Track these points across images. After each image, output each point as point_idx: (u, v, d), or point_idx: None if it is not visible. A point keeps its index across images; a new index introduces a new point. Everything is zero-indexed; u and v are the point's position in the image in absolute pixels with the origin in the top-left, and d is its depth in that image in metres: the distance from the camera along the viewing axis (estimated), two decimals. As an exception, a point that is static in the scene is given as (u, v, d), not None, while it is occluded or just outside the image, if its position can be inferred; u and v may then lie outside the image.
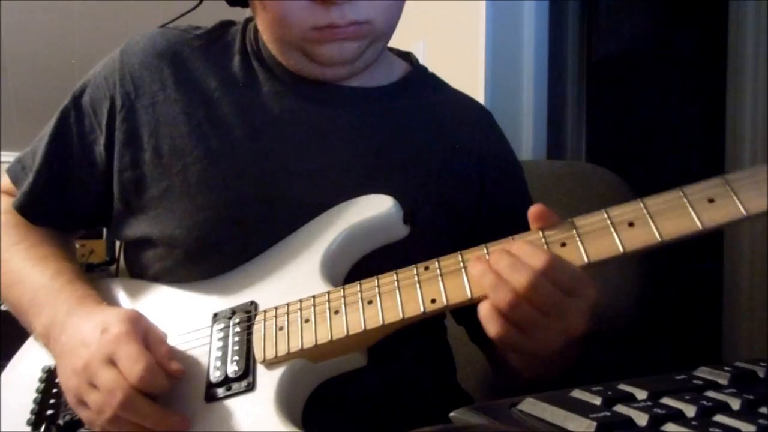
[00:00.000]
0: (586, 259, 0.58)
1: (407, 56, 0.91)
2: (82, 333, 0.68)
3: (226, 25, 0.87)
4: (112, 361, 0.64)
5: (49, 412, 0.73)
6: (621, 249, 0.57)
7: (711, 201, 0.55)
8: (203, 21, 0.88)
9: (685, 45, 1.48)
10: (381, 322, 0.63)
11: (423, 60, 0.93)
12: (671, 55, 1.51)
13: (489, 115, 0.92)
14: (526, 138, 1.58)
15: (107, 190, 0.82)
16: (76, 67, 2.62)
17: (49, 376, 0.76)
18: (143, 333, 0.67)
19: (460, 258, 0.63)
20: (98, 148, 0.82)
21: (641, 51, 1.59)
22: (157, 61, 0.81)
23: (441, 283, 0.62)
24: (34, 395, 0.75)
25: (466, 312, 0.87)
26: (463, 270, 0.62)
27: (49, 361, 0.77)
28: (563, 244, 0.59)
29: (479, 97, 1.54)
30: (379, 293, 0.65)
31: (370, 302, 0.64)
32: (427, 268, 0.64)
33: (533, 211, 0.61)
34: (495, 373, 0.88)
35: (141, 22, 2.57)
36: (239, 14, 0.87)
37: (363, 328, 0.63)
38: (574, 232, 0.59)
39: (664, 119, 1.48)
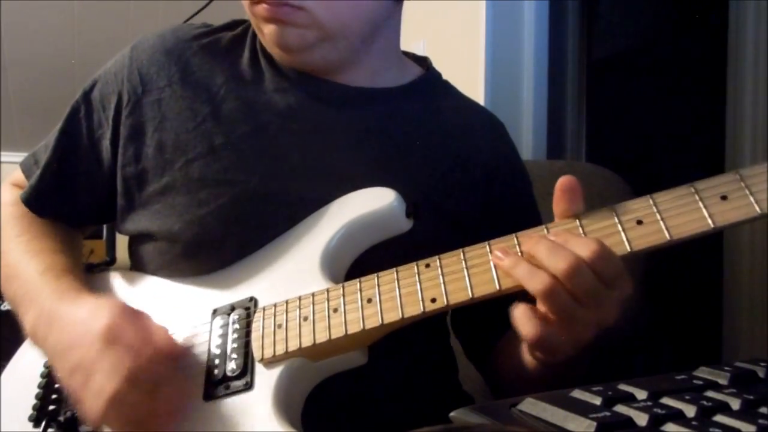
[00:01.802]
0: None
1: (423, 61, 0.91)
2: (72, 329, 0.67)
3: (237, 23, 0.88)
4: (107, 353, 0.63)
5: (51, 408, 0.73)
6: (628, 249, 0.55)
7: (724, 198, 0.52)
8: (214, 20, 0.89)
9: (685, 45, 1.48)
10: (380, 322, 0.62)
11: (423, 60, 0.93)
12: (671, 55, 1.51)
13: (500, 126, 0.91)
14: (526, 138, 1.58)
15: (113, 185, 0.83)
16: (76, 67, 2.62)
17: (51, 372, 0.76)
18: (133, 319, 0.67)
19: (462, 256, 0.62)
20: (105, 142, 0.82)
21: (641, 51, 1.60)
22: (165, 58, 0.82)
23: (442, 283, 0.61)
24: (36, 391, 0.75)
25: (464, 328, 0.87)
26: (465, 269, 0.61)
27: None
28: None
29: (479, 97, 1.54)
30: (379, 292, 0.64)
31: (369, 301, 0.64)
32: (428, 266, 0.63)
33: (562, 181, 0.59)
34: (494, 388, 0.87)
35: (141, 22, 2.57)
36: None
37: (362, 327, 0.63)
38: (580, 231, 0.58)
39: (664, 119, 1.48)
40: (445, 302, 0.60)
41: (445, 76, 0.92)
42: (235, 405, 0.65)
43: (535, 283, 0.55)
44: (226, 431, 0.64)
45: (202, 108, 0.79)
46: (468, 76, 1.57)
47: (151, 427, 0.64)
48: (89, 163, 0.84)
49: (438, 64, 0.92)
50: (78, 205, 0.86)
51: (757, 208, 0.51)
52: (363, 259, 0.72)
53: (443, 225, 0.78)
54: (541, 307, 0.56)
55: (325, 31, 0.75)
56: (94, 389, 0.63)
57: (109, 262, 2.33)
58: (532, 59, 1.58)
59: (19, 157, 0.92)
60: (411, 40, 1.70)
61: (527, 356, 0.66)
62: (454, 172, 0.81)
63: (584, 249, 0.54)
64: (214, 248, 0.75)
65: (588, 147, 1.61)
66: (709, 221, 0.52)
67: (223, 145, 0.77)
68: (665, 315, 1.00)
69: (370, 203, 0.71)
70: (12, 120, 2.91)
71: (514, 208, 0.85)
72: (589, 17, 1.62)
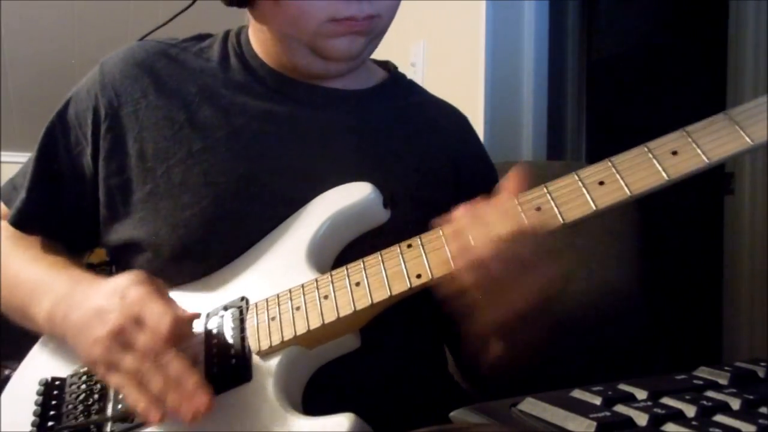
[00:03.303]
0: (561, 220, 0.60)
1: (386, 65, 0.94)
2: (97, 303, 0.68)
3: (203, 37, 0.90)
4: (141, 322, 0.65)
5: (50, 423, 0.73)
6: (593, 207, 0.59)
7: (674, 153, 0.57)
8: (191, 30, 0.90)
9: (685, 45, 1.48)
10: (370, 302, 0.64)
11: (423, 60, 0.93)
12: (671, 55, 1.51)
13: (465, 120, 0.95)
14: (526, 138, 1.58)
15: (98, 199, 0.83)
16: (76, 67, 2.62)
17: (46, 389, 0.76)
18: (159, 290, 0.69)
19: (441, 233, 0.65)
20: (85, 159, 0.83)
21: (641, 51, 1.60)
22: (137, 70, 0.83)
23: (425, 259, 0.64)
24: (34, 408, 0.75)
25: (450, 335, 0.87)
26: (445, 243, 0.64)
27: (44, 374, 0.77)
28: (538, 209, 0.61)
29: (479, 97, 1.54)
30: (366, 274, 0.66)
31: (357, 284, 0.66)
32: (410, 246, 0.66)
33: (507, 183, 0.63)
34: (465, 374, 0.89)
35: (141, 22, 2.58)
36: (233, 20, 0.88)
37: (353, 309, 0.65)
38: (548, 196, 0.61)
39: (664, 119, 1.48)
40: (430, 276, 0.63)
41: (445, 76, 0.93)
42: (237, 398, 0.66)
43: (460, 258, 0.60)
44: (229, 425, 0.64)
45: (179, 115, 0.80)
46: (468, 76, 1.57)
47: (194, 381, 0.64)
48: (71, 181, 0.84)
49: (438, 64, 0.93)
50: (66, 223, 0.86)
51: (705, 158, 0.56)
52: (347, 252, 0.74)
53: (420, 213, 0.79)
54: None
55: (379, 31, 0.79)
56: (131, 368, 0.64)
57: (109, 263, 2.33)
58: (532, 59, 1.58)
59: (19, 156, 0.92)
60: (411, 40, 1.70)
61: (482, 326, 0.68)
62: (425, 164, 0.84)
63: (503, 229, 0.59)
64: (200, 250, 0.76)
65: (588, 147, 1.61)
66: (664, 174, 0.57)
67: (202, 150, 0.78)
68: (665, 315, 1.00)
69: (349, 197, 0.74)
70: (12, 120, 2.92)
71: (482, 195, 0.87)
72: (589, 17, 1.62)
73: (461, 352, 0.87)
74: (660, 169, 0.57)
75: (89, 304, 0.69)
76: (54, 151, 0.84)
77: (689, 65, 1.45)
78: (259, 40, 0.84)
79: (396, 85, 0.91)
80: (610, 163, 0.60)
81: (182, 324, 0.66)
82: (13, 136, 2.91)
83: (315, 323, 0.66)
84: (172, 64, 0.84)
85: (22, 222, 0.85)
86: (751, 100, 0.56)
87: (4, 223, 0.88)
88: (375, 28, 0.77)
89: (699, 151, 0.56)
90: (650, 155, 0.58)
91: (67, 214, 0.85)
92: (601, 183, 0.60)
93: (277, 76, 0.83)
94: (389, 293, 0.64)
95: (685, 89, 1.46)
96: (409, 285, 0.64)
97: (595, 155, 1.60)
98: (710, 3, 1.32)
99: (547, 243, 0.60)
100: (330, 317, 0.65)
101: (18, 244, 0.85)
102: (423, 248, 0.65)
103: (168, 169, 0.78)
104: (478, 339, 0.73)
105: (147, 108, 0.81)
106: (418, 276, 0.64)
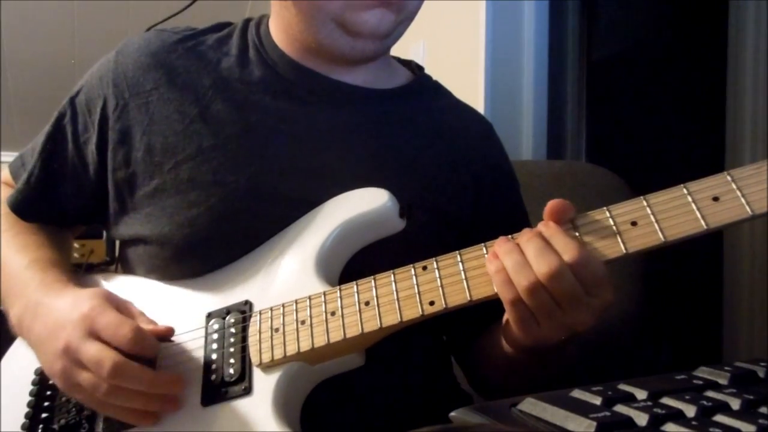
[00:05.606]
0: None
1: (409, 64, 0.92)
2: (55, 316, 0.68)
3: (222, 26, 0.88)
4: (92, 335, 0.64)
5: (44, 415, 0.72)
6: (624, 250, 0.56)
7: (716, 200, 0.54)
8: (200, 22, 0.89)
9: (685, 45, 1.48)
10: (379, 326, 0.62)
11: (423, 60, 0.93)
12: (671, 55, 1.51)
13: (489, 127, 0.92)
14: (526, 138, 1.58)
15: (100, 189, 0.83)
16: (76, 67, 2.62)
17: (42, 378, 0.75)
18: (116, 304, 0.68)
19: (458, 258, 0.62)
20: (91, 147, 0.82)
21: (641, 51, 1.59)
22: (151, 61, 0.81)
23: (440, 285, 0.61)
24: (28, 399, 0.74)
25: (448, 322, 0.87)
26: (462, 271, 0.61)
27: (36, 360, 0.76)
28: None
29: (479, 97, 1.54)
30: (377, 295, 0.64)
31: (367, 304, 0.64)
32: (425, 268, 0.63)
33: (551, 205, 0.60)
34: (473, 383, 0.88)
35: (141, 22, 2.57)
36: (234, 15, 0.87)
37: (361, 331, 0.63)
38: (576, 233, 0.58)
39: (664, 119, 1.48)
40: (444, 305, 0.61)
41: (445, 76, 0.92)
42: (234, 410, 0.65)
43: (521, 279, 0.57)
44: None
45: (190, 110, 0.79)
46: (468, 76, 1.57)
47: (156, 401, 0.65)
48: (75, 167, 0.84)
49: (438, 64, 0.93)
50: (64, 209, 0.86)
51: (749, 210, 0.52)
52: (357, 259, 0.72)
53: (435, 223, 0.79)
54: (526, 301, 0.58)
55: (406, 15, 0.79)
56: (88, 384, 0.64)
57: (109, 262, 2.33)
58: (532, 59, 1.58)
59: (20, 157, 0.92)
60: (411, 40, 1.70)
61: (508, 347, 0.68)
62: (444, 172, 0.82)
63: (567, 252, 0.56)
64: (205, 249, 0.75)
65: (588, 147, 1.61)
66: (702, 223, 0.54)
67: (212, 146, 0.77)
68: (665, 315, 1.00)
69: (364, 204, 0.71)
70: (12, 120, 2.92)
71: (502, 209, 0.86)
72: (589, 17, 1.62)
73: (471, 360, 0.86)
74: (699, 216, 0.54)
75: (50, 318, 0.68)
76: (61, 137, 0.84)
77: (689, 65, 1.45)
78: (281, 23, 0.82)
79: (420, 88, 0.88)
80: (644, 202, 0.56)
81: (141, 332, 0.64)
82: (13, 136, 2.91)
83: (320, 342, 0.64)
84: (187, 55, 0.82)
85: (20, 208, 0.85)
86: (750, 100, 0.54)
87: (4, 200, 0.88)
88: (405, 6, 0.77)
89: (743, 201, 0.53)
90: (689, 198, 0.55)
91: (64, 204, 0.85)
92: (634, 223, 0.56)
93: (297, 69, 0.81)
94: (400, 319, 0.62)
95: (684, 89, 1.46)
96: (421, 312, 0.61)
97: (595, 155, 1.61)
98: (710, 3, 1.32)
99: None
100: (336, 337, 0.63)
101: (12, 226, 0.84)
102: (438, 272, 0.62)
103: (176, 164, 0.76)
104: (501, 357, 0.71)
105: (158, 101, 0.79)
106: (431, 303, 0.61)
